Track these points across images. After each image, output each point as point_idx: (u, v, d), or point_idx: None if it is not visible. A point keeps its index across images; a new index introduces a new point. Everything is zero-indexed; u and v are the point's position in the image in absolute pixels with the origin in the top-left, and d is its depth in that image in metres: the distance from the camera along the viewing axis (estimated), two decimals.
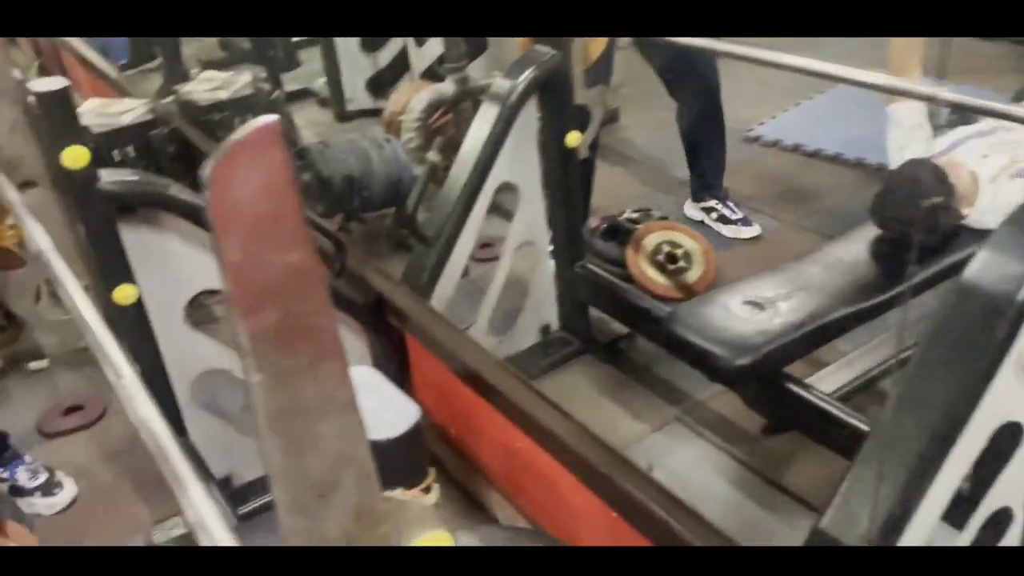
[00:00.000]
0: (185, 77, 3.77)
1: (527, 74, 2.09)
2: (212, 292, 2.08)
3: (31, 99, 1.64)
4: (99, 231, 1.71)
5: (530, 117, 2.18)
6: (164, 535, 2.08)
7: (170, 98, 3.46)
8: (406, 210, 2.35)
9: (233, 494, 2.09)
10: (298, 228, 0.51)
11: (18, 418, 2.48)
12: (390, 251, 3.22)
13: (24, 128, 1.70)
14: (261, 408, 0.55)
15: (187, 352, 1.94)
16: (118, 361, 0.99)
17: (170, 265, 1.89)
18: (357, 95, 4.35)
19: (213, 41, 5.00)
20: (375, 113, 4.13)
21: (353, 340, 2.26)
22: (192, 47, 4.71)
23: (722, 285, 2.59)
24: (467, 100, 3.16)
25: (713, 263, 2.69)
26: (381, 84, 4.30)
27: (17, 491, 2.28)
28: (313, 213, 2.69)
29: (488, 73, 3.39)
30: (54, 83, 1.64)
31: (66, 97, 1.63)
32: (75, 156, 1.66)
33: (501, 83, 2.12)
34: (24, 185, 1.68)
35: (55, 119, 1.62)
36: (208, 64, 4.34)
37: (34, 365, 2.82)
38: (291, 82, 4.62)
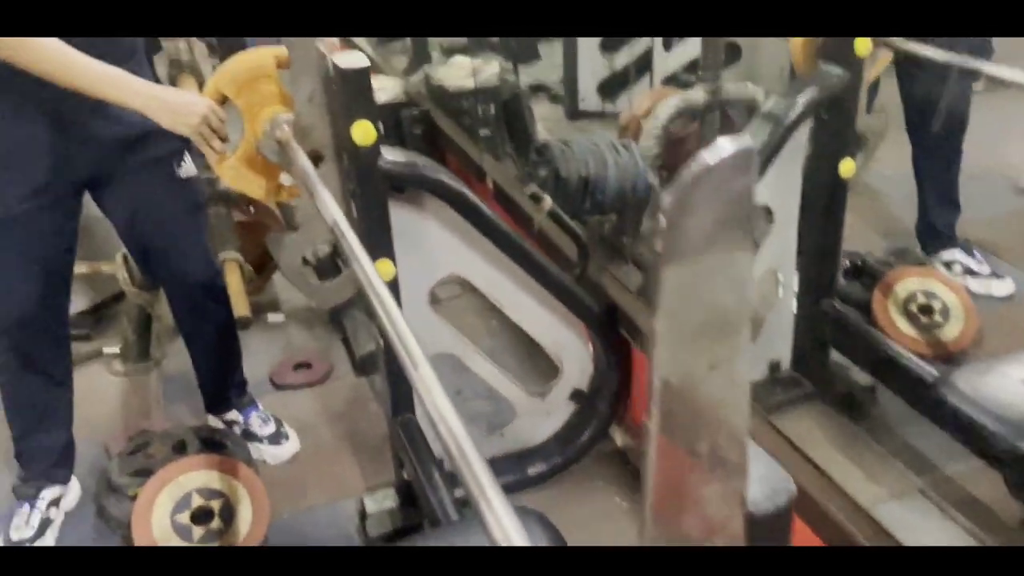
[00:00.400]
0: (429, 58, 3.88)
1: (808, 94, 2.01)
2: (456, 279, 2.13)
3: (331, 71, 1.73)
4: (372, 206, 1.80)
5: (802, 139, 2.10)
6: (375, 504, 2.17)
7: (418, 77, 3.59)
8: (632, 218, 2.33)
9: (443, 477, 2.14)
10: (742, 264, 0.50)
11: (253, 367, 2.66)
12: (605, 257, 3.20)
13: (319, 99, 1.80)
14: (651, 452, 0.54)
15: (426, 333, 2.00)
16: (415, 352, 1.02)
17: (426, 246, 1.96)
18: (588, 96, 4.36)
19: None
20: (602, 116, 4.11)
21: (579, 346, 2.27)
22: None
23: (982, 349, 2.41)
24: (716, 111, 3.10)
25: (976, 323, 2.50)
26: (612, 88, 4.28)
27: (248, 435, 2.45)
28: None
29: (739, 82, 3.30)
30: (356, 60, 1.72)
31: (365, 75, 1.71)
32: (364, 132, 1.75)
33: (777, 102, 2.05)
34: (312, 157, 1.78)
35: (351, 95, 1.71)
36: (451, 50, 4.46)
37: (272, 318, 3.01)
38: (526, 74, 4.68)
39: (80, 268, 2.80)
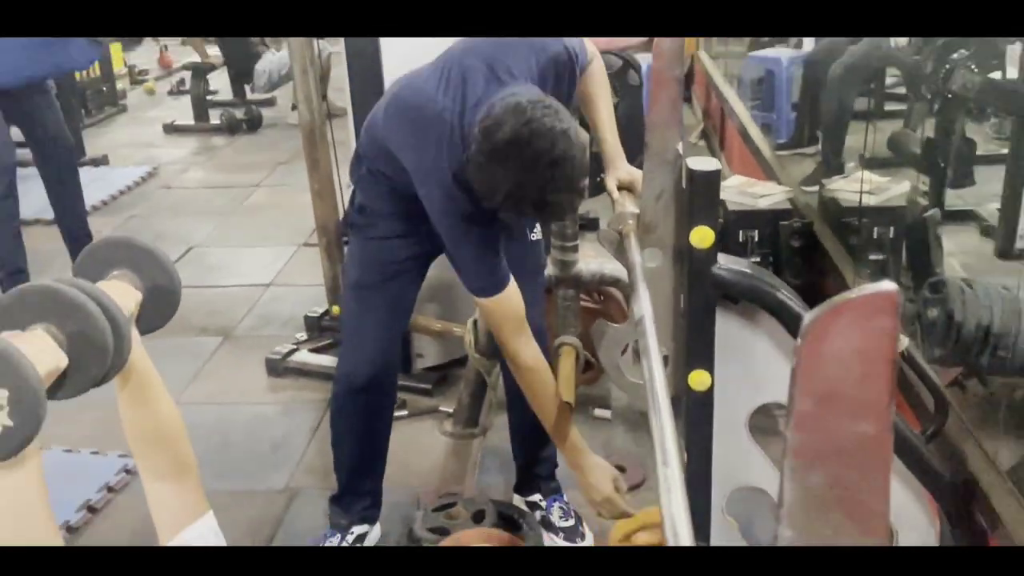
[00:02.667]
0: (841, 170, 3.89)
1: None
2: (781, 406, 2.11)
3: (683, 172, 1.84)
4: (698, 311, 1.87)
5: None
6: None
7: (813, 188, 3.59)
8: None
9: None
10: (881, 403, 0.52)
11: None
12: (974, 421, 2.92)
13: (667, 197, 1.90)
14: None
15: (737, 459, 2.00)
16: (670, 448, 1.08)
17: (751, 364, 1.97)
18: None
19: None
20: None
21: (920, 515, 2.11)
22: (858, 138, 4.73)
23: None
24: None
25: None
26: None
27: (547, 524, 2.58)
28: (924, 355, 2.57)
29: None
30: (708, 164, 1.83)
31: (714, 181, 1.80)
32: (702, 236, 1.82)
33: None
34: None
35: (698, 197, 1.80)
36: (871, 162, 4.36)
37: (599, 413, 3.15)
38: (956, 199, 4.36)
39: (435, 326, 3.16)
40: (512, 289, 2.18)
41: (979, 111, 3.36)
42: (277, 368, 3.79)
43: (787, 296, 1.95)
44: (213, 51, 8.07)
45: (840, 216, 3.33)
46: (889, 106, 4.82)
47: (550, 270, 2.78)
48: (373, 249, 2.41)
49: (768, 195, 3.47)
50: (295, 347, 3.88)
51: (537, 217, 2.29)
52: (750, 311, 1.98)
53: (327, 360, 3.67)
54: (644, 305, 1.57)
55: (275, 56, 7.71)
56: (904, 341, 2.13)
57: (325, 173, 3.62)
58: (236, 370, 3.86)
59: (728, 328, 1.96)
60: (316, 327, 4.00)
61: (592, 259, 2.93)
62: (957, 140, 3.37)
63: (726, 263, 1.93)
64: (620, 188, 2.30)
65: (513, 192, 1.95)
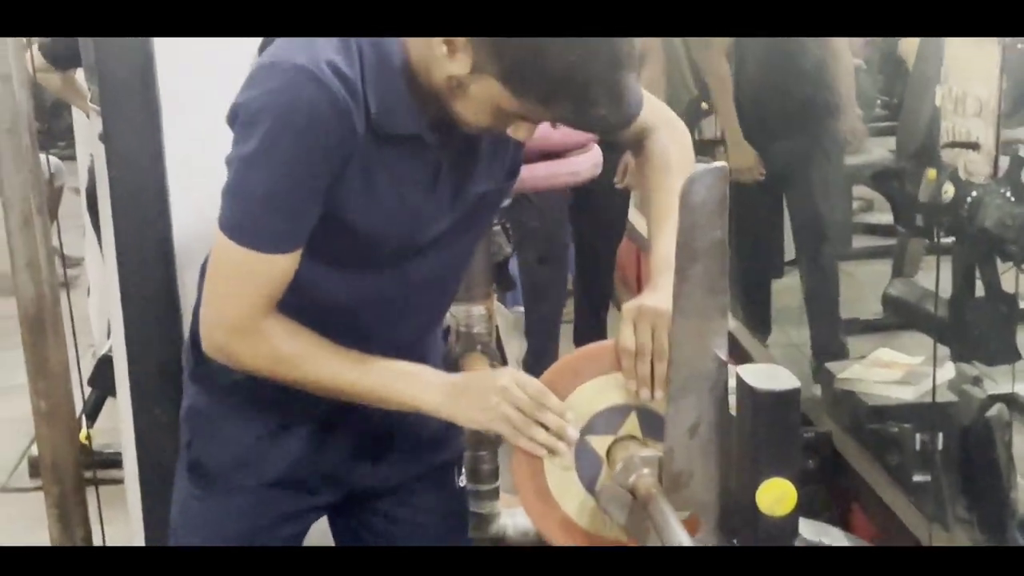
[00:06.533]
0: (841, 352, 3.48)
1: None
2: None
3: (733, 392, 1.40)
4: None
5: None
6: None
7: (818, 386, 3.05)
8: None
9: None
10: None
11: None
12: None
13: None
14: None
15: None
16: None
17: None
18: None
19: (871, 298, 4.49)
20: None
21: None
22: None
23: None
24: None
25: None
26: None
27: None
28: None
29: None
30: (775, 375, 1.36)
31: (792, 402, 1.35)
32: (777, 496, 1.35)
33: None
34: None
35: (765, 433, 1.33)
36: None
37: None
38: (1002, 377, 3.77)
39: None
40: (279, 261, 1.55)
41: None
42: None
43: None
44: None
45: (865, 419, 2.79)
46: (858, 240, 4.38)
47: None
48: (231, 511, 1.78)
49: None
50: None
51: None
52: None
53: None
54: None
55: None
56: None
57: (57, 377, 2.64)
58: None
59: None
60: None
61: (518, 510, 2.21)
62: (992, 296, 2.89)
63: (811, 532, 1.41)
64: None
65: None
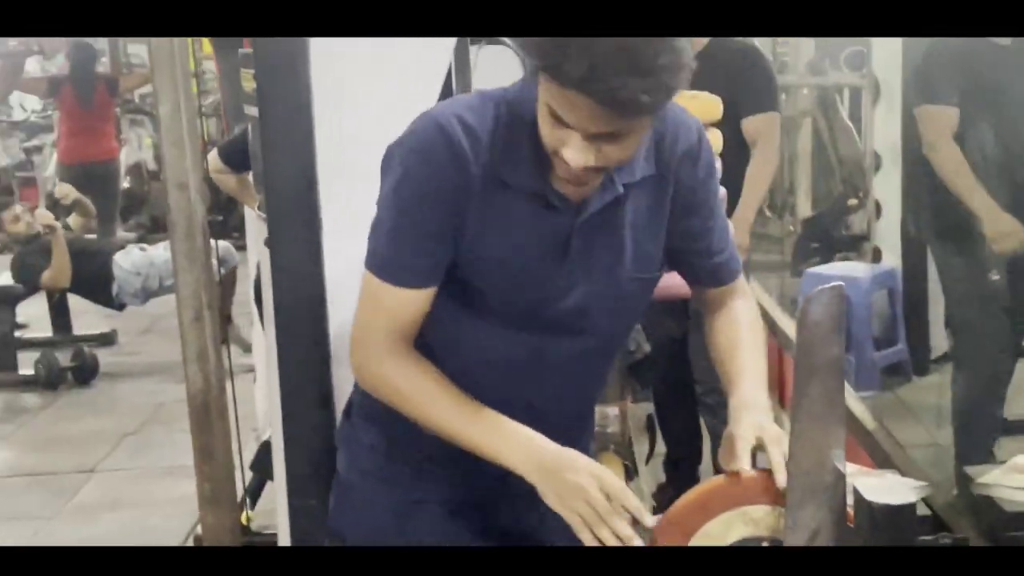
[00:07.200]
0: (987, 456, 3.31)
1: None
2: None
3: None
4: None
5: None
6: None
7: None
8: None
9: None
10: None
11: None
12: None
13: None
14: None
15: None
16: None
17: None
18: None
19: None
20: None
21: None
22: None
23: None
24: None
25: None
26: None
27: None
28: None
29: None
30: (894, 488, 1.45)
31: (909, 517, 1.40)
32: None
33: None
34: None
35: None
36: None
37: None
38: None
39: None
40: (405, 295, 1.64)
41: None
42: None
43: None
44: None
45: (1003, 527, 2.63)
46: None
47: None
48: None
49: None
50: None
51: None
52: None
53: None
54: None
55: (143, 255, 6.16)
56: None
57: (222, 468, 2.82)
58: None
59: None
60: None
61: None
62: None
63: None
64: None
65: None
